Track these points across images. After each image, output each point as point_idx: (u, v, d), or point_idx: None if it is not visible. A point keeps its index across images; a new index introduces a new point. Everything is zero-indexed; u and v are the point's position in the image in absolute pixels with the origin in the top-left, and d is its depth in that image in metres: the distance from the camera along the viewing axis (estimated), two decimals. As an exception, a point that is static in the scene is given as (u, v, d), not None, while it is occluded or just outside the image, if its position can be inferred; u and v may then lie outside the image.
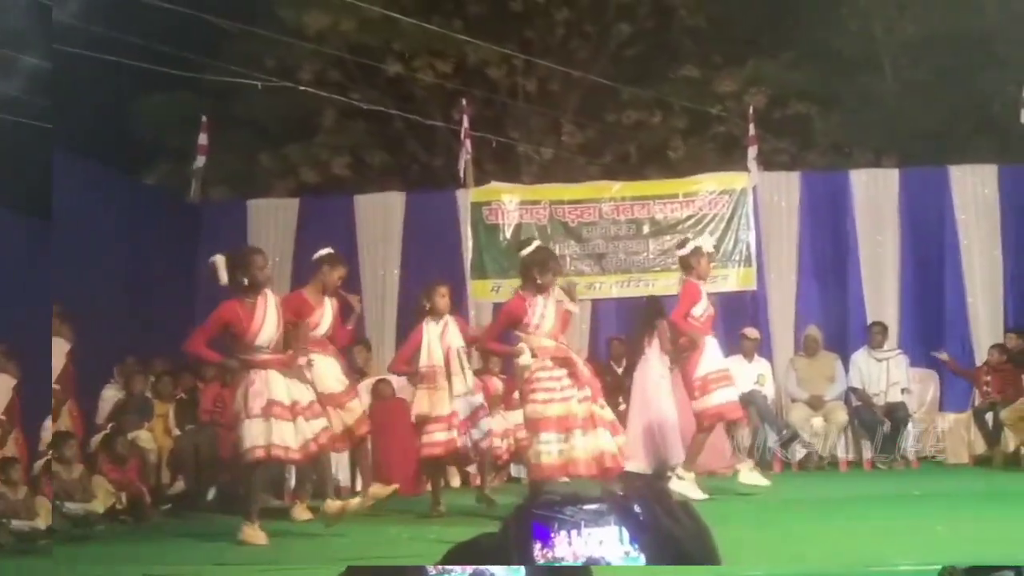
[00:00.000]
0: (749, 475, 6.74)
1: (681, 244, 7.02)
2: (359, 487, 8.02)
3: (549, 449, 5.58)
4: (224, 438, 7.49)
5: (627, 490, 1.03)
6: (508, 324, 5.93)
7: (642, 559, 1.02)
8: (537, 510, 1.01)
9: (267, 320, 5.60)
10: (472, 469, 7.79)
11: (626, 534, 1.03)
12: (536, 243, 6.15)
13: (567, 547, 1.01)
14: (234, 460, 5.79)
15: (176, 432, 8.00)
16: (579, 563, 1.02)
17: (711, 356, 6.74)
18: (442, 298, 6.46)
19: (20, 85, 9.28)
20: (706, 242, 7.23)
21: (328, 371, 6.22)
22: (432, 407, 6.32)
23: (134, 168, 11.62)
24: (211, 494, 7.26)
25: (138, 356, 8.46)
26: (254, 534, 5.48)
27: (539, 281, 5.75)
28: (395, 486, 6.21)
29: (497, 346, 6.27)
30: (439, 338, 6.38)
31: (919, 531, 5.28)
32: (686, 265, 6.86)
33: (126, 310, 8.51)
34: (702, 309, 6.79)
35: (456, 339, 6.42)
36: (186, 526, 6.60)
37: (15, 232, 8.41)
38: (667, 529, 1.01)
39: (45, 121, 8.40)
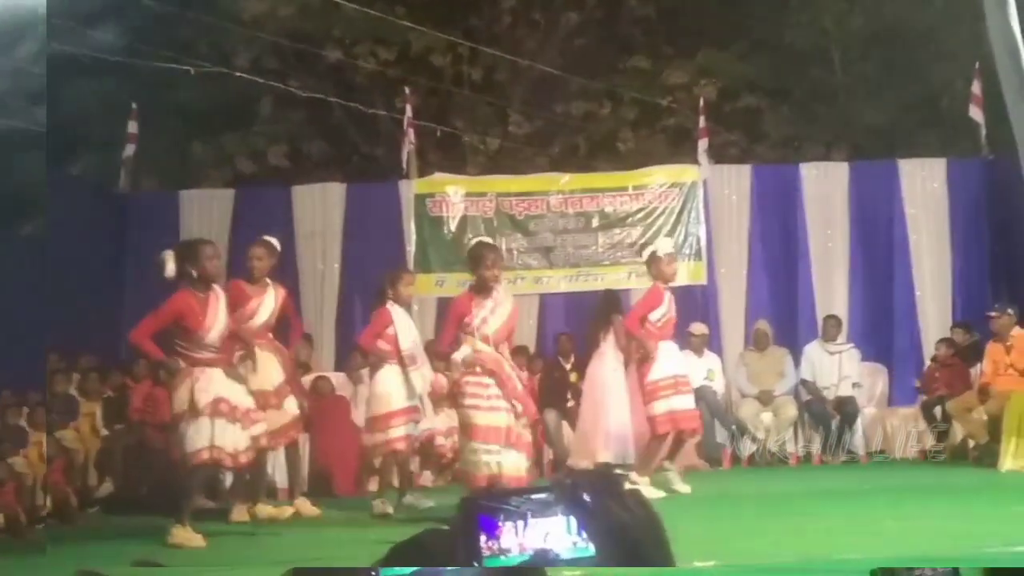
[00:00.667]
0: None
1: (640, 251, 7.05)
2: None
3: (476, 459, 5.55)
4: (155, 438, 7.36)
5: (575, 479, 1.02)
6: (457, 322, 5.77)
7: (591, 549, 1.01)
8: (483, 500, 1.00)
9: (218, 316, 5.51)
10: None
11: (574, 524, 1.02)
12: (477, 239, 6.12)
13: (513, 538, 1.00)
14: (175, 461, 5.65)
15: (104, 432, 7.83)
16: (527, 555, 1.01)
17: (664, 362, 6.73)
18: (407, 287, 6.42)
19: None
20: (663, 245, 7.25)
21: (265, 366, 6.13)
22: (399, 392, 6.25)
23: (57, 157, 11.32)
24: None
25: (62, 353, 8.26)
26: (187, 536, 5.38)
27: (483, 276, 5.66)
28: (318, 512, 6.11)
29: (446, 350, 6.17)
30: (412, 323, 6.40)
31: (868, 526, 5.34)
32: (649, 268, 6.90)
33: (50, 304, 8.30)
34: (660, 313, 6.77)
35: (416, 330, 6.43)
36: (116, 528, 6.45)
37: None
38: (617, 518, 1.00)
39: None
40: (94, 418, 7.90)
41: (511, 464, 5.57)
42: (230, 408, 5.40)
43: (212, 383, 5.42)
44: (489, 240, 6.22)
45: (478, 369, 5.62)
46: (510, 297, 5.88)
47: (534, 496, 1.02)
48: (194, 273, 5.47)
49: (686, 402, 6.78)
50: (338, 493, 7.70)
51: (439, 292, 9.57)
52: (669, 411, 6.68)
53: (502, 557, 1.00)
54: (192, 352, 5.47)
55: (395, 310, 6.38)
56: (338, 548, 5.41)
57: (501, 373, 5.60)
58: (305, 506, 6.27)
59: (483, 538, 1.00)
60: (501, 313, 5.69)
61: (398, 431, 6.28)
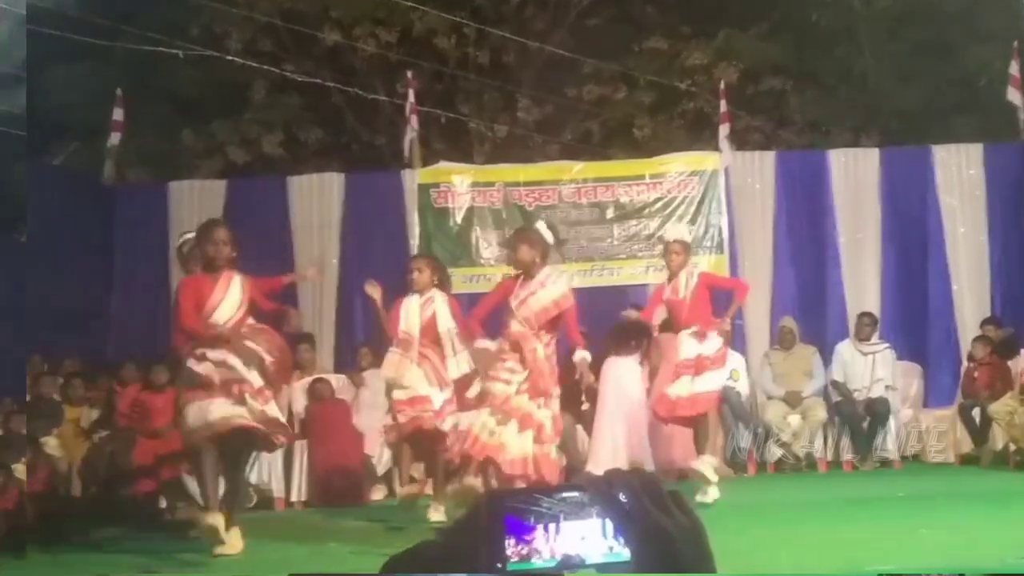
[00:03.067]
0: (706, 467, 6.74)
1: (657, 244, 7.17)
2: (295, 496, 7.96)
3: (479, 427, 5.65)
4: (143, 445, 7.37)
5: (611, 478, 1.00)
6: (496, 299, 6.04)
7: (626, 554, 0.99)
8: (509, 501, 0.98)
9: (227, 298, 5.58)
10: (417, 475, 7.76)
11: (610, 527, 1.00)
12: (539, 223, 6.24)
13: (544, 543, 0.98)
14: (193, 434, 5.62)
15: (89, 438, 7.84)
16: (556, 560, 0.99)
17: (684, 345, 6.82)
18: (410, 273, 6.52)
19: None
20: (671, 230, 7.31)
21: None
22: (401, 378, 6.34)
23: (40, 146, 11.36)
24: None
25: (45, 355, 8.27)
26: (215, 518, 5.37)
27: (518, 259, 5.88)
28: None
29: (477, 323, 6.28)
30: (418, 309, 6.43)
31: (902, 535, 5.33)
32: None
33: (32, 305, 8.32)
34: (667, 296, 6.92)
35: (446, 319, 6.43)
36: (100, 540, 6.46)
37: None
38: (655, 522, 0.98)
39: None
40: (78, 425, 7.90)
41: (513, 441, 5.59)
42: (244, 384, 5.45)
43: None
44: (532, 227, 6.27)
45: (506, 346, 5.79)
46: (561, 283, 5.93)
47: (567, 495, 0.99)
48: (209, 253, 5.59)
49: (696, 385, 6.70)
50: (338, 502, 7.70)
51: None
52: (674, 398, 6.68)
53: (530, 561, 0.98)
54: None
55: (407, 300, 6.53)
56: (339, 559, 5.41)
57: (524, 347, 5.68)
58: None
59: (511, 541, 0.97)
60: (543, 296, 5.78)
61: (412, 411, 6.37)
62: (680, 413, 6.78)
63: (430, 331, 6.41)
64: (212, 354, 5.47)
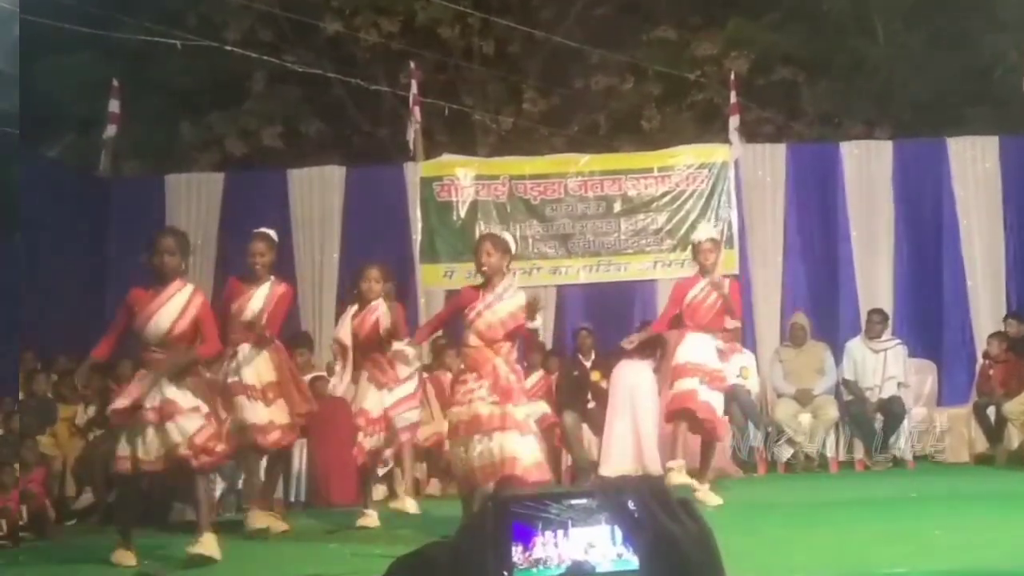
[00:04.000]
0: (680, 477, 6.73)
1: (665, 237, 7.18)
2: (294, 497, 7.98)
3: (466, 455, 5.56)
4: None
5: (620, 484, 0.99)
6: (452, 311, 6.03)
7: (635, 562, 0.99)
8: (516, 507, 0.97)
9: (163, 311, 5.45)
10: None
11: (618, 534, 0.99)
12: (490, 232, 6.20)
13: (552, 549, 0.97)
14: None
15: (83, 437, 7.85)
16: (563, 568, 0.99)
17: (693, 348, 6.74)
18: (364, 282, 6.51)
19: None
20: (701, 230, 7.30)
21: (254, 362, 6.14)
22: (356, 401, 6.44)
23: (34, 138, 11.35)
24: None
25: (39, 352, 8.28)
26: (124, 555, 5.37)
27: (479, 267, 5.75)
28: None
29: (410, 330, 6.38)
30: (353, 320, 6.48)
31: (915, 537, 5.31)
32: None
33: (24, 300, 8.32)
34: (691, 296, 6.82)
35: (386, 321, 6.45)
36: (96, 542, 6.46)
37: None
38: (665, 529, 0.98)
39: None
40: (72, 423, 7.90)
41: (517, 448, 5.49)
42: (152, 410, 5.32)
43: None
44: (494, 231, 6.18)
45: (465, 368, 5.73)
46: (518, 296, 5.80)
47: (575, 502, 0.99)
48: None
49: (712, 398, 6.68)
50: (338, 502, 7.70)
51: (448, 284, 9.56)
52: (685, 392, 6.63)
53: (537, 569, 0.98)
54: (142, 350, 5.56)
55: (347, 312, 6.60)
56: (340, 561, 5.42)
57: (482, 368, 5.59)
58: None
59: (518, 548, 0.97)
60: (499, 309, 5.69)
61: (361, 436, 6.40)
62: (685, 405, 6.74)
63: (372, 337, 6.40)
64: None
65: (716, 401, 6.71)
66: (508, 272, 5.80)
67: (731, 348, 6.97)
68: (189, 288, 5.54)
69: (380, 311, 6.44)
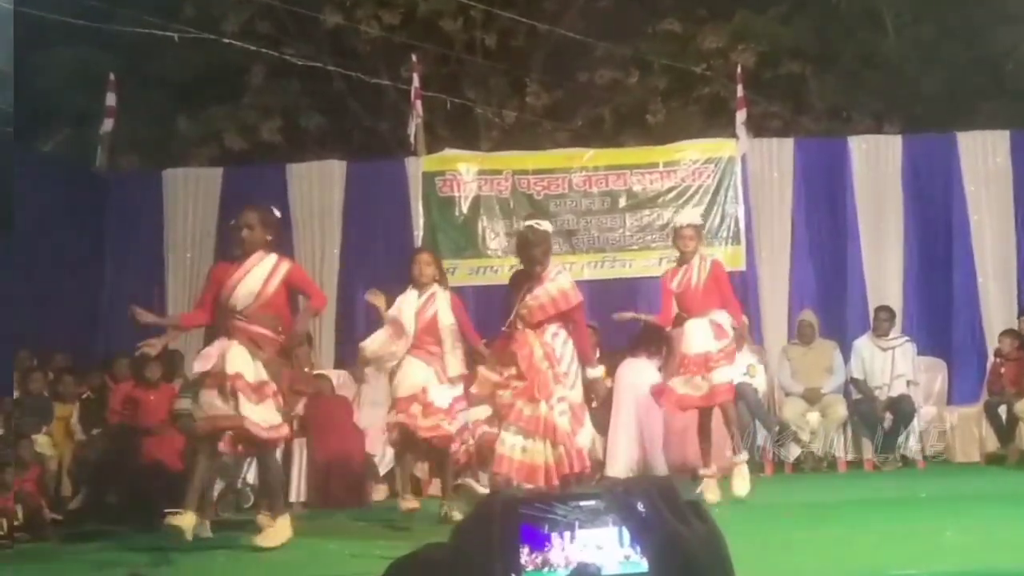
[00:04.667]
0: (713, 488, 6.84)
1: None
2: (294, 497, 7.98)
3: (513, 442, 5.61)
4: (135, 443, 7.39)
5: (628, 485, 0.99)
6: (510, 299, 5.97)
7: (643, 564, 0.98)
8: (525, 508, 0.97)
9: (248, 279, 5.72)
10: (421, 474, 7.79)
11: (626, 535, 0.99)
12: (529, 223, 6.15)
13: (559, 551, 0.97)
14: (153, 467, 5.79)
15: (80, 436, 7.85)
16: (570, 570, 0.98)
17: (693, 337, 6.87)
18: (415, 266, 6.54)
19: None
20: (683, 215, 7.36)
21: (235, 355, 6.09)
22: (406, 378, 6.39)
23: (29, 133, 11.36)
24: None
25: (35, 349, 8.28)
26: (180, 518, 5.46)
27: (536, 268, 5.84)
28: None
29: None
30: (415, 305, 6.45)
31: (926, 538, 5.32)
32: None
33: (18, 296, 8.32)
34: (676, 282, 7.02)
35: (447, 315, 6.46)
36: (91, 543, 6.47)
37: None
38: (673, 530, 0.97)
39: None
40: (68, 422, 7.91)
41: (536, 452, 5.60)
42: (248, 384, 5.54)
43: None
44: (537, 224, 6.14)
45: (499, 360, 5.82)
46: (562, 279, 5.90)
47: (583, 503, 0.99)
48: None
49: (706, 383, 6.81)
50: (339, 503, 7.71)
51: (450, 280, 9.53)
52: (672, 389, 6.82)
53: (545, 571, 0.97)
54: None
55: (405, 296, 6.56)
56: (340, 562, 5.42)
57: (522, 351, 5.69)
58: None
59: (525, 550, 0.97)
60: (541, 294, 5.78)
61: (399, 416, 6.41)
62: (690, 406, 6.89)
63: (432, 328, 6.43)
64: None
65: (726, 375, 6.83)
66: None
67: (733, 345, 6.97)
68: (273, 257, 5.81)
69: (439, 301, 6.47)
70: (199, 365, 5.69)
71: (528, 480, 5.54)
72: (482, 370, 6.04)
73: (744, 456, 7.00)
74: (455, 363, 6.44)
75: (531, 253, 5.79)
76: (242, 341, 5.63)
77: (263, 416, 5.58)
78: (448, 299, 6.53)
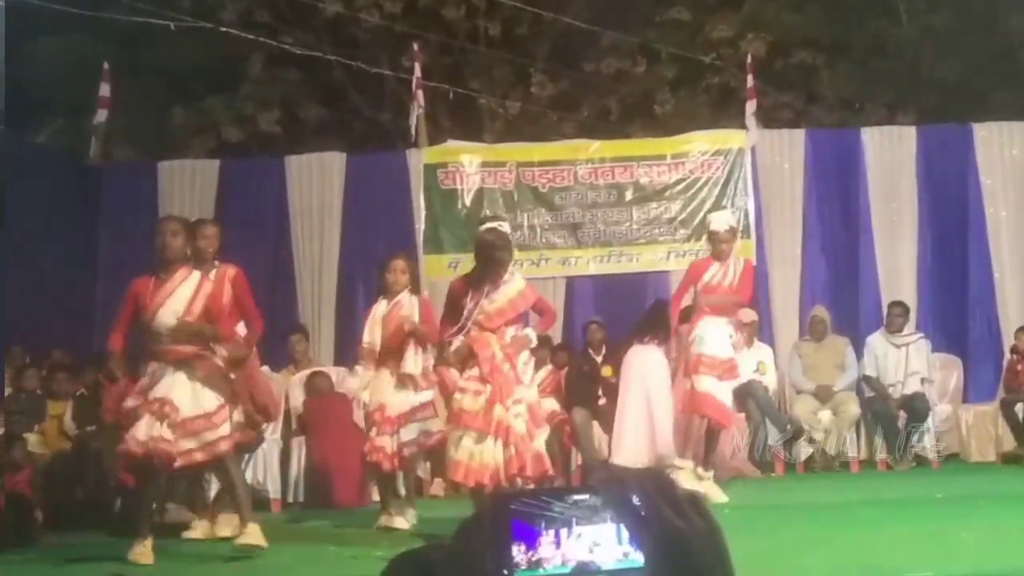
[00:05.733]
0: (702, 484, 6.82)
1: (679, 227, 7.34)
2: (292, 497, 7.99)
3: (453, 447, 5.66)
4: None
5: (624, 479, 0.98)
6: (451, 308, 5.94)
7: (641, 560, 0.98)
8: (517, 505, 0.96)
9: (169, 300, 5.54)
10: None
11: (624, 532, 0.98)
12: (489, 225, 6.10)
13: (554, 549, 0.96)
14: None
15: (74, 434, 7.86)
16: (567, 568, 0.97)
17: (713, 338, 6.89)
18: (390, 274, 6.45)
19: None
20: (716, 219, 7.41)
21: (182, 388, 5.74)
22: (373, 394, 6.35)
23: (21, 125, 11.36)
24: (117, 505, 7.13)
25: (28, 345, 8.29)
26: (140, 552, 5.39)
27: (500, 271, 5.83)
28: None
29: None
30: (383, 318, 6.41)
31: (941, 539, 5.33)
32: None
33: (11, 292, 8.32)
34: (709, 276, 7.03)
35: (411, 321, 6.39)
36: (85, 545, 6.48)
37: None
38: (672, 526, 0.96)
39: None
40: (62, 421, 7.91)
41: (486, 453, 5.59)
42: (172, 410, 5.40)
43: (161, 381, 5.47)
44: (499, 226, 6.13)
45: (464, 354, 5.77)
46: (516, 279, 5.92)
47: (578, 498, 0.98)
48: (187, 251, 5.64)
49: (724, 390, 6.88)
50: (338, 503, 7.71)
51: (452, 275, 9.48)
52: (703, 394, 6.82)
53: (539, 570, 0.96)
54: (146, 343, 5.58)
55: (376, 306, 6.53)
56: (339, 563, 5.42)
57: (483, 352, 5.67)
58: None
59: (520, 548, 0.96)
60: (498, 298, 5.78)
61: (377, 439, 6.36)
62: (706, 412, 6.91)
63: (398, 333, 6.33)
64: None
65: (727, 393, 6.91)
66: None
67: (746, 342, 7.04)
68: (196, 275, 5.62)
69: (406, 306, 6.40)
70: (131, 402, 5.50)
71: (478, 483, 5.56)
72: (443, 371, 6.08)
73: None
74: (412, 362, 6.33)
75: (496, 255, 5.75)
76: (170, 362, 5.48)
77: (194, 441, 5.43)
78: (415, 304, 6.44)
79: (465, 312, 5.74)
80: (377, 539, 6.06)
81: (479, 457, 5.57)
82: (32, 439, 7.52)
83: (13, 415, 7.52)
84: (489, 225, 6.01)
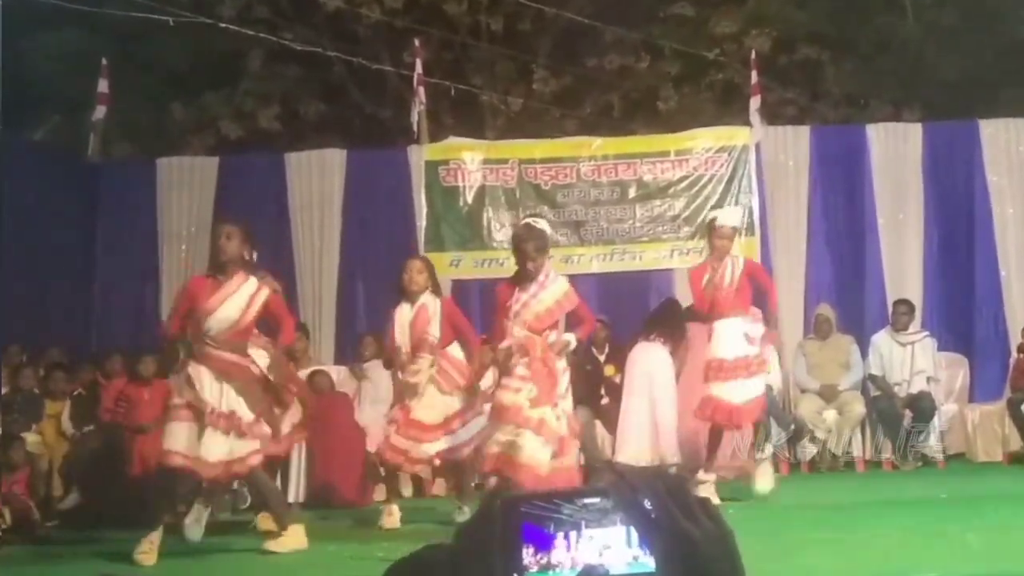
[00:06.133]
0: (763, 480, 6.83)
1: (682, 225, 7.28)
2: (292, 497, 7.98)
3: (498, 438, 5.72)
4: (129, 441, 7.39)
5: (634, 481, 0.98)
6: (501, 311, 5.98)
7: (651, 564, 0.97)
8: (526, 507, 0.96)
9: (223, 304, 5.56)
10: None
11: (634, 535, 0.98)
12: (524, 220, 6.26)
13: (564, 552, 0.96)
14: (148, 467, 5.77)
15: (72, 433, 7.86)
16: (576, 571, 0.97)
17: (727, 339, 6.83)
18: (406, 274, 6.47)
19: None
20: (723, 215, 7.36)
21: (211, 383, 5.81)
22: (409, 396, 6.36)
23: (18, 121, 11.36)
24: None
25: (25, 344, 8.29)
26: (145, 552, 5.39)
27: (523, 264, 5.88)
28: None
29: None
30: (409, 323, 6.40)
31: (946, 540, 5.32)
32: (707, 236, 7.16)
33: (9, 290, 8.33)
34: (706, 279, 6.93)
35: (437, 327, 6.40)
36: (82, 545, 6.48)
37: None
38: (683, 530, 0.96)
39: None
40: (59, 420, 7.91)
41: (528, 450, 5.64)
42: (218, 415, 5.44)
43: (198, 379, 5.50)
44: (534, 222, 6.19)
45: (514, 350, 5.81)
46: (561, 282, 6.02)
47: (588, 501, 0.98)
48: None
49: (746, 391, 6.78)
50: (338, 503, 7.71)
51: (454, 273, 9.55)
52: (715, 399, 6.78)
53: (549, 572, 0.96)
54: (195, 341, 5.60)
55: (399, 311, 6.51)
56: (339, 564, 5.42)
57: (532, 351, 5.73)
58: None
59: (529, 551, 0.96)
60: (544, 298, 5.85)
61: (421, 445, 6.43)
62: (730, 421, 6.87)
63: (425, 342, 6.35)
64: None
65: (747, 391, 6.78)
66: (548, 259, 6.04)
67: (766, 336, 6.97)
68: (253, 281, 5.66)
69: (431, 308, 6.41)
70: (177, 396, 5.55)
71: (508, 478, 5.62)
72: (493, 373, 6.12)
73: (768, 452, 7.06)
74: (454, 374, 6.41)
75: (520, 247, 5.86)
76: (212, 368, 5.49)
77: (225, 450, 5.44)
78: (439, 307, 6.46)
79: (512, 313, 5.81)
80: (377, 540, 6.07)
81: (515, 452, 5.61)
82: (30, 439, 7.52)
83: (10, 415, 7.52)
84: (523, 221, 6.14)
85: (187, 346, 5.72)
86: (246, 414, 5.52)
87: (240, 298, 5.58)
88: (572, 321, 6.27)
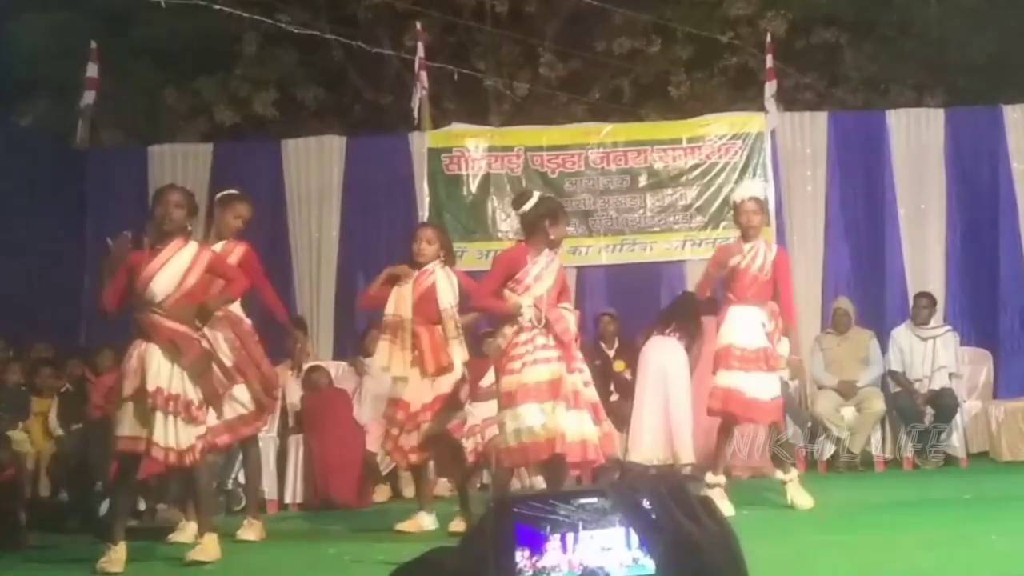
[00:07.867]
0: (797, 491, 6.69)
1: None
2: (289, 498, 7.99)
3: (518, 426, 5.44)
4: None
5: (634, 482, 0.97)
6: (506, 275, 5.71)
7: (651, 566, 0.96)
8: (520, 508, 0.94)
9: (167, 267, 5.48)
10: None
11: (634, 536, 0.97)
12: (537, 194, 6.06)
13: (560, 554, 0.95)
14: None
15: (59, 432, 7.87)
16: (574, 574, 0.96)
17: (742, 327, 6.59)
18: (415, 243, 6.34)
19: None
20: (741, 189, 7.32)
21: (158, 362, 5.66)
22: (397, 369, 6.21)
23: (4, 106, 11.39)
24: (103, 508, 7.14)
25: (11, 339, 8.30)
26: (108, 561, 5.31)
27: (551, 237, 5.71)
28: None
29: (494, 303, 5.84)
30: (411, 289, 6.25)
31: (970, 542, 5.31)
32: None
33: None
34: (736, 262, 6.68)
35: (447, 296, 6.26)
36: (72, 548, 6.49)
37: None
38: (684, 531, 0.95)
39: None
40: (47, 418, 7.93)
41: (575, 427, 5.44)
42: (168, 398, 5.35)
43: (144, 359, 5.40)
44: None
45: (528, 324, 5.57)
46: (557, 257, 5.90)
47: (586, 502, 0.96)
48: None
49: (766, 387, 6.58)
50: (337, 504, 7.72)
51: (458, 265, 9.45)
52: (728, 388, 6.53)
53: (545, 575, 0.95)
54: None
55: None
56: (338, 567, 5.43)
57: (556, 328, 5.54)
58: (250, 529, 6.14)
59: (524, 553, 0.94)
60: (552, 270, 5.73)
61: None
62: (746, 414, 6.62)
63: (430, 311, 6.21)
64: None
65: (763, 387, 6.56)
66: None
67: (783, 332, 6.79)
68: (193, 245, 5.60)
69: (438, 279, 6.27)
70: (128, 384, 5.38)
71: (557, 456, 5.43)
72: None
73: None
74: (458, 350, 6.23)
75: (557, 218, 5.79)
76: (161, 343, 5.39)
77: (175, 437, 5.32)
78: (448, 276, 6.32)
79: (523, 287, 5.62)
80: (378, 542, 6.07)
81: (561, 431, 5.40)
82: (16, 437, 7.52)
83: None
84: (539, 194, 6.12)
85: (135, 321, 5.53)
86: (194, 397, 5.41)
87: (180, 261, 5.50)
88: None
